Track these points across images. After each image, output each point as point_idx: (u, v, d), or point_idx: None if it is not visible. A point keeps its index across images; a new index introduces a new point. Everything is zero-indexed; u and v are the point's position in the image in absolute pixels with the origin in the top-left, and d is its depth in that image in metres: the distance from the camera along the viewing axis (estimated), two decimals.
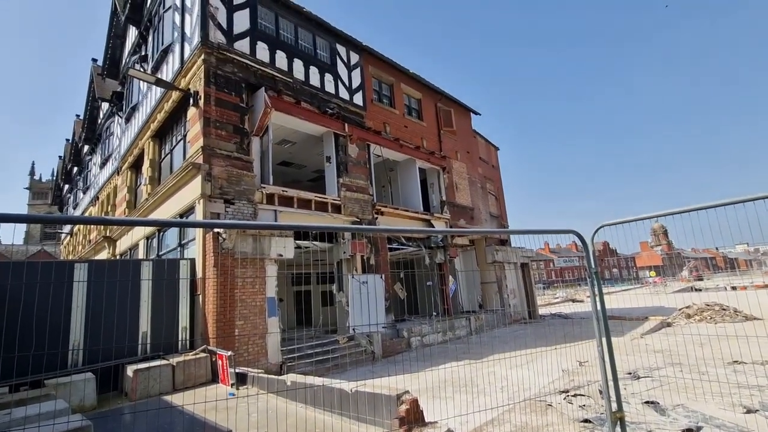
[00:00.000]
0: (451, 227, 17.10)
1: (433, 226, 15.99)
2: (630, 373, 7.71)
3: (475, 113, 21.73)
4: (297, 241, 11.47)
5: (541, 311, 23.36)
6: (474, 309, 17.62)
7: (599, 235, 4.00)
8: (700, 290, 34.51)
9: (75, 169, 27.08)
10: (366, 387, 5.42)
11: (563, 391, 6.65)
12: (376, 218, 13.72)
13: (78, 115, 25.43)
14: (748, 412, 5.26)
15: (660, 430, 4.79)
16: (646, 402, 5.87)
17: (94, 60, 20.37)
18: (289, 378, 6.70)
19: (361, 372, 9.55)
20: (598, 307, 3.70)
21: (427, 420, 5.06)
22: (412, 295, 17.66)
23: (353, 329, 11.50)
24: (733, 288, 31.56)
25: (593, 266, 3.76)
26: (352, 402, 5.39)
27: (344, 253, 12.43)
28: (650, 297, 30.15)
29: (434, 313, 15.45)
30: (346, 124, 13.39)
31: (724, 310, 15.31)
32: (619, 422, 3.56)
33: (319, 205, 12.08)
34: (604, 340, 3.63)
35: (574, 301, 34.31)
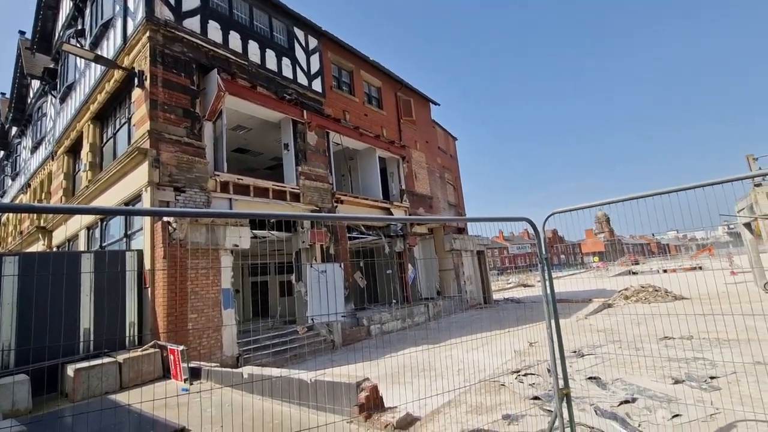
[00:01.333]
0: (410, 216, 17.31)
1: (393, 215, 16.10)
2: (575, 352, 8.23)
3: (435, 103, 21.97)
4: (254, 231, 11.13)
5: (496, 296, 24.33)
6: (432, 296, 18.04)
7: (550, 222, 4.18)
8: (636, 273, 37.40)
9: (1, 153, 24.57)
10: (326, 376, 5.42)
11: (515, 371, 6.98)
12: (336, 207, 13.59)
13: (3, 94, 23.04)
14: (676, 383, 5.79)
15: (601, 403, 5.17)
16: (589, 378, 6.30)
17: (22, 33, 18.41)
18: (246, 370, 6.55)
19: (320, 361, 9.52)
20: (548, 291, 3.89)
21: (386, 405, 5.14)
22: (373, 284, 17.79)
23: (312, 319, 11.41)
24: (665, 271, 34.43)
25: (544, 252, 3.93)
26: (311, 391, 5.36)
27: (303, 242, 12.24)
28: (594, 280, 32.28)
29: (394, 301, 15.66)
30: (304, 111, 13.06)
31: (656, 291, 16.66)
32: (565, 398, 3.78)
33: (276, 193, 11.77)
34: (553, 322, 3.82)
35: (525, 286, 35.99)
